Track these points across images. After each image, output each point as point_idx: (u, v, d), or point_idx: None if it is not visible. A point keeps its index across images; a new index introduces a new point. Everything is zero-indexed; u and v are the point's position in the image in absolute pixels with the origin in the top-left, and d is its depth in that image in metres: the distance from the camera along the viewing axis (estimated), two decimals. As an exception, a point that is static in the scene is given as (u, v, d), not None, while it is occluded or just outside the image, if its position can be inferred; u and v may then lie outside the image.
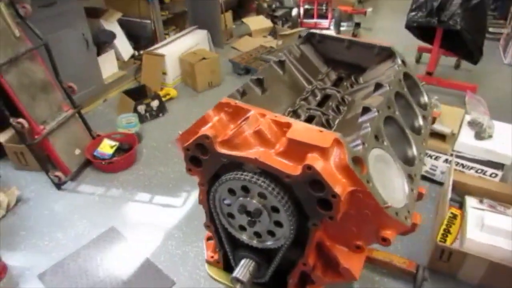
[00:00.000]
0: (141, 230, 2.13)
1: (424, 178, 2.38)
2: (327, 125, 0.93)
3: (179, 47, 3.69)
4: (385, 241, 0.68)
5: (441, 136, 2.26)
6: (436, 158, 2.28)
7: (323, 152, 0.65)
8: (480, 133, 2.22)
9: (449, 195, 1.78)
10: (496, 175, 2.18)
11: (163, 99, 3.21)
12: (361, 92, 1.02)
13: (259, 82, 0.95)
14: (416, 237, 2.00)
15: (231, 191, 0.74)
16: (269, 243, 0.76)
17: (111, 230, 2.14)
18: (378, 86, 0.94)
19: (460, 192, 2.05)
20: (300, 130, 0.68)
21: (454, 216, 1.94)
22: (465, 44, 2.93)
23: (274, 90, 0.95)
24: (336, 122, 0.95)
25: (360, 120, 0.83)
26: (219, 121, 0.75)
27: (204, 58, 3.46)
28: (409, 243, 1.98)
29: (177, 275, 1.87)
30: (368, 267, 1.84)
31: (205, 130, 0.72)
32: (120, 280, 1.85)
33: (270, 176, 0.70)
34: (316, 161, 0.64)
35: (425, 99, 1.10)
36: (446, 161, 2.25)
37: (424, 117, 1.01)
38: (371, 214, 0.68)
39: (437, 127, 2.24)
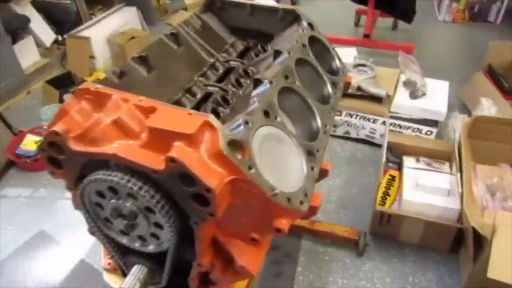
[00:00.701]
0: (74, 230, 1.98)
1: (364, 141, 2.37)
2: (224, 102, 0.83)
3: (107, 27, 3.42)
4: (279, 232, 0.60)
5: (378, 99, 2.24)
6: (374, 121, 2.26)
7: (190, 139, 0.55)
8: (414, 92, 2.21)
9: (384, 158, 1.76)
10: (431, 132, 2.19)
11: (92, 85, 2.96)
12: (266, 61, 0.92)
13: (143, 60, 0.82)
14: (360, 203, 2.00)
15: (100, 194, 0.63)
16: (152, 247, 0.66)
17: (41, 234, 1.97)
18: (276, 53, 0.84)
19: (398, 153, 2.05)
20: (165, 115, 0.57)
21: (393, 178, 1.94)
22: (398, 4, 2.90)
23: (164, 68, 0.83)
24: (235, 98, 0.85)
25: (253, 94, 0.73)
26: (78, 112, 0.62)
27: (133, 38, 3.22)
28: (353, 210, 1.97)
29: (113, 274, 1.75)
30: (311, 239, 1.81)
31: (55, 125, 0.60)
32: (52, 286, 1.71)
33: (138, 173, 0.59)
34: (181, 151, 0.54)
35: (337, 63, 1.02)
36: (384, 123, 2.24)
37: (334, 84, 0.93)
38: (258, 204, 0.60)
39: (373, 90, 2.21)
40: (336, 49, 2.88)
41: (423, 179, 1.67)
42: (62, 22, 3.56)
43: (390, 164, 2.04)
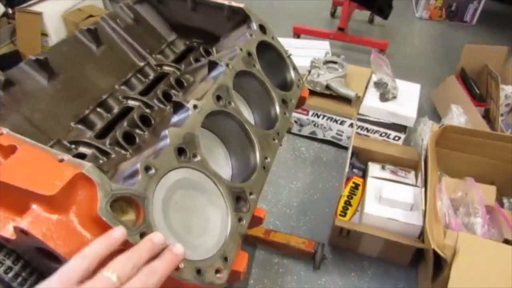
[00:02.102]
0: None
1: (330, 143, 2.26)
2: (143, 122, 0.67)
3: (63, 2, 3.12)
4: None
5: (346, 100, 2.12)
6: (342, 122, 2.15)
7: (51, 202, 0.39)
8: (385, 94, 2.11)
9: (347, 167, 1.66)
10: (399, 138, 2.11)
11: (42, 66, 2.71)
12: (204, 69, 0.77)
13: (41, 65, 0.65)
14: (321, 209, 1.90)
15: None
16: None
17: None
18: (212, 65, 0.69)
19: (364, 159, 1.95)
20: (25, 160, 0.42)
21: (356, 186, 1.84)
22: (375, -2, 2.77)
23: (75, 75, 0.66)
24: (159, 117, 0.70)
25: (170, 122, 0.58)
26: None
27: (91, 16, 2.95)
28: (314, 217, 1.87)
29: None
30: (266, 250, 1.70)
31: None
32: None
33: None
34: (36, 219, 0.39)
35: (291, 75, 0.88)
36: (351, 125, 2.13)
37: (284, 102, 0.79)
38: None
39: (342, 90, 2.09)
40: (309, 41, 2.71)
41: (386, 192, 1.58)
42: (14, -7, 3.23)
43: (355, 170, 1.95)
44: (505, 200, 1.74)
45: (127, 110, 0.70)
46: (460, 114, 1.98)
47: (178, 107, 0.57)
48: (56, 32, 3.02)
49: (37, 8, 2.93)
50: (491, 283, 1.23)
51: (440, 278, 1.38)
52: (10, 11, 3.17)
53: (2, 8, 3.12)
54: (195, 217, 0.51)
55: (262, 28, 0.84)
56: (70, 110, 0.65)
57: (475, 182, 1.66)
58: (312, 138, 2.28)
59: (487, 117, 2.20)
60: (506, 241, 1.45)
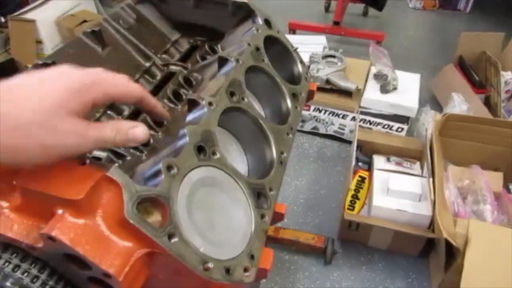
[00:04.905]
0: None
1: (333, 138, 2.25)
2: (155, 123, 0.66)
3: (56, 8, 3.10)
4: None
5: (347, 93, 2.12)
6: (344, 116, 2.14)
7: (77, 206, 0.38)
8: (385, 86, 2.10)
9: (353, 161, 1.65)
10: (402, 129, 2.10)
11: (38, 74, 2.68)
12: (213, 66, 0.76)
13: (48, 69, 0.64)
14: (328, 205, 1.89)
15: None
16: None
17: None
18: (222, 61, 0.68)
19: (368, 151, 1.95)
20: (45, 166, 0.41)
21: (362, 180, 1.83)
22: (369, -10, 2.77)
23: (82, 77, 0.65)
24: (172, 117, 0.68)
25: (186, 120, 0.57)
26: None
27: (85, 21, 2.93)
28: (321, 213, 1.86)
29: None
30: (276, 247, 1.69)
31: None
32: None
33: (13, 246, 0.43)
34: (63, 224, 0.38)
35: (299, 69, 0.87)
36: (353, 119, 2.13)
37: (294, 95, 0.78)
38: (185, 281, 0.45)
39: (342, 83, 2.08)
40: (305, 37, 2.70)
41: (393, 184, 1.57)
42: (5, 1, 3.20)
43: (360, 164, 1.94)
44: (511, 186, 1.74)
45: (138, 112, 0.68)
46: (462, 102, 1.98)
47: (193, 104, 0.56)
48: (50, 39, 3.00)
49: (29, 15, 2.90)
50: (505, 269, 1.23)
51: (453, 267, 1.38)
52: (2, 19, 3.14)
53: (-6, 18, 3.10)
54: (218, 215, 0.50)
55: (268, 23, 0.83)
56: (80, 114, 0.64)
57: (481, 169, 1.66)
58: (314, 133, 2.27)
59: (488, 104, 2.20)
60: (516, 227, 1.45)
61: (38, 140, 0.36)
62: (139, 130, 0.45)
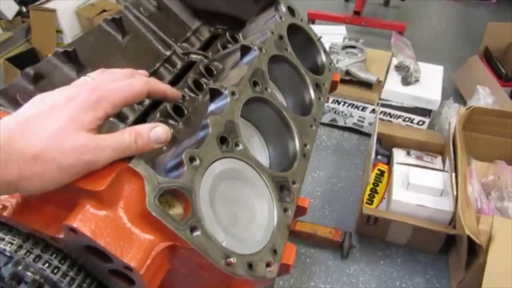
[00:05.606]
0: None
1: (351, 130, 2.21)
2: (176, 113, 0.65)
3: (75, -2, 3.11)
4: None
5: (367, 85, 2.07)
6: (363, 109, 2.10)
7: (99, 197, 0.37)
8: (407, 78, 2.05)
9: (373, 154, 1.61)
10: (424, 122, 2.05)
11: (59, 63, 2.71)
12: (234, 55, 0.74)
13: (69, 57, 0.63)
14: (346, 198, 1.87)
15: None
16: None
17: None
18: (244, 49, 0.66)
19: (388, 145, 1.91)
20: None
21: (382, 173, 1.80)
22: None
23: (103, 66, 0.64)
24: (192, 107, 0.67)
25: (208, 110, 0.55)
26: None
27: (104, 11, 2.94)
28: (339, 207, 1.84)
29: None
30: (293, 239, 1.68)
31: None
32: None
33: (34, 237, 0.42)
34: (84, 216, 0.37)
35: (322, 59, 0.84)
36: (373, 111, 2.08)
37: (317, 86, 0.75)
38: (207, 276, 0.44)
39: (363, 75, 2.04)
40: (325, 27, 2.64)
41: (414, 178, 1.53)
42: (26, -9, 3.23)
43: (379, 157, 1.90)
44: (538, 183, 1.67)
45: (159, 101, 0.67)
46: (487, 95, 1.91)
47: (215, 94, 0.55)
48: (70, 29, 3.02)
49: (50, 5, 2.93)
50: (531, 268, 1.19)
51: (475, 265, 1.34)
52: (24, 9, 3.18)
53: (16, 7, 3.14)
54: (241, 208, 0.49)
55: (291, 11, 0.81)
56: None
57: (507, 165, 1.61)
58: (332, 125, 2.24)
59: (515, 97, 2.12)
60: (543, 225, 1.40)
61: (56, 164, 0.37)
62: (160, 129, 0.44)
